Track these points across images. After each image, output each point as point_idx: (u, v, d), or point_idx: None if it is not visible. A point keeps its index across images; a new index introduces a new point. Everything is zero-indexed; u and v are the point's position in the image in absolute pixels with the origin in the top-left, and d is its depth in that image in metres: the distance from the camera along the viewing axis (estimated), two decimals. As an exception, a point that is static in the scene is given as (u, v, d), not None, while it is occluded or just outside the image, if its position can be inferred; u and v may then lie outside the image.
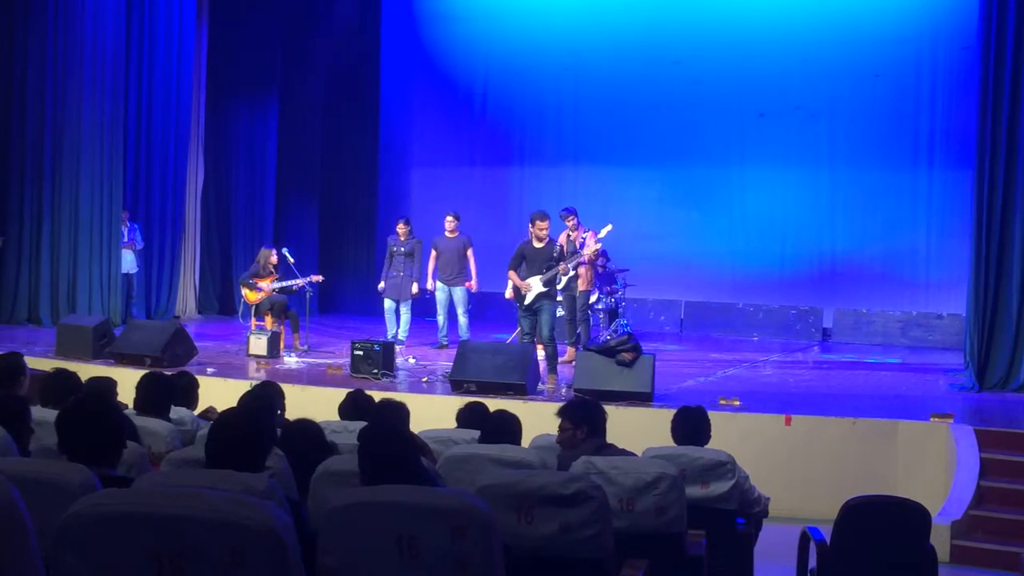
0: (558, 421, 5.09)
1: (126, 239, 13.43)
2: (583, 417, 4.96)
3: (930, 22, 13.30)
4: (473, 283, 11.84)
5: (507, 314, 12.26)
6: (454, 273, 11.83)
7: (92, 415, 3.54)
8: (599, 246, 10.84)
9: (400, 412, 5.43)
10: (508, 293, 10.23)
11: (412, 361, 10.90)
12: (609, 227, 10.79)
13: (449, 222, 11.93)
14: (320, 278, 12.14)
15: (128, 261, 13.48)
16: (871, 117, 13.59)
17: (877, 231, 13.63)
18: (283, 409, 5.89)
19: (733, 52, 13.95)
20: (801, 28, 13.79)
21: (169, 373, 6.01)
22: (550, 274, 9.61)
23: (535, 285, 9.62)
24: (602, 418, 5.03)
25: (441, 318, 12.07)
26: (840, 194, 13.81)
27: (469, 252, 11.85)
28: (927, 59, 13.35)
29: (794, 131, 13.89)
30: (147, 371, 5.67)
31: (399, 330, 11.95)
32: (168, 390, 5.43)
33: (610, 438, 5.11)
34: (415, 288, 11.90)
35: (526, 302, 9.67)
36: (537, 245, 9.74)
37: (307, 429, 4.35)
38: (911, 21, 13.37)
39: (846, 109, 13.71)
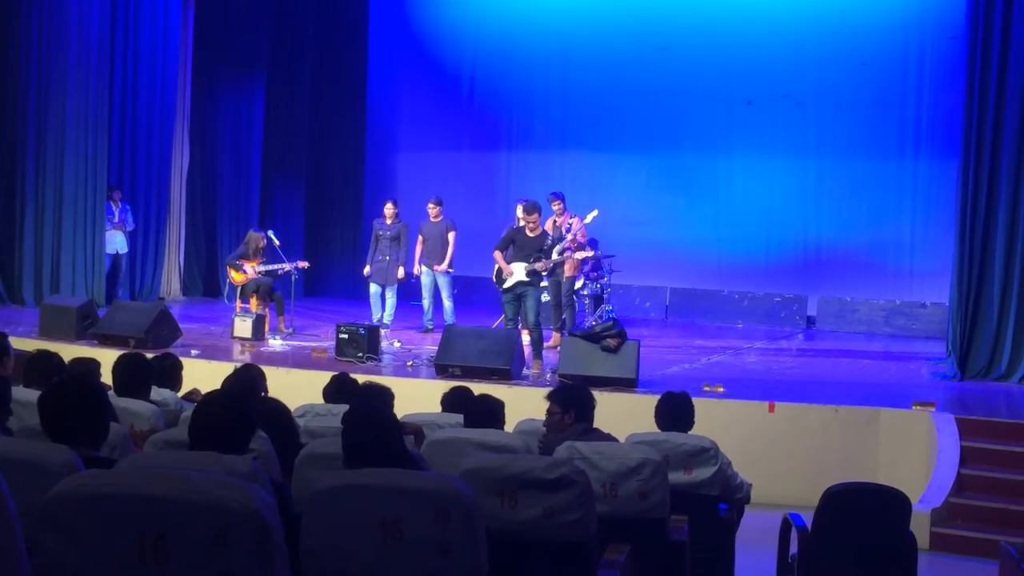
0: (543, 406, 5.12)
1: (117, 219, 13.40)
2: (572, 402, 4.99)
3: (918, 12, 13.32)
4: (443, 265, 11.77)
5: (492, 299, 12.26)
6: (438, 258, 11.82)
7: (75, 396, 3.52)
8: (590, 253, 10.78)
9: (383, 395, 5.42)
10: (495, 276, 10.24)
11: (397, 345, 10.90)
12: (595, 212, 10.80)
13: (432, 208, 11.92)
14: (306, 264, 12.06)
15: (118, 241, 13.45)
16: (858, 106, 13.61)
17: (862, 220, 13.68)
18: (266, 391, 5.87)
19: (722, 39, 13.94)
20: (789, 16, 13.79)
21: (149, 355, 5.97)
22: (536, 266, 9.61)
23: (518, 271, 9.62)
24: (591, 404, 5.07)
25: (427, 302, 12.06)
26: (826, 182, 13.85)
27: (450, 235, 11.82)
28: (914, 49, 13.38)
29: (781, 119, 13.90)
30: (123, 352, 5.63)
31: (384, 314, 11.93)
32: (145, 371, 5.39)
33: (594, 423, 5.13)
34: (401, 272, 11.88)
35: (505, 285, 9.68)
36: (530, 234, 9.75)
37: (277, 411, 4.36)
38: (899, 10, 13.39)
39: (833, 98, 13.73)
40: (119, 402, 4.90)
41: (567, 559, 3.65)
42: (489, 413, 5.09)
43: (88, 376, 5.26)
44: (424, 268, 11.92)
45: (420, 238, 11.97)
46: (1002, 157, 9.69)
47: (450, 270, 11.85)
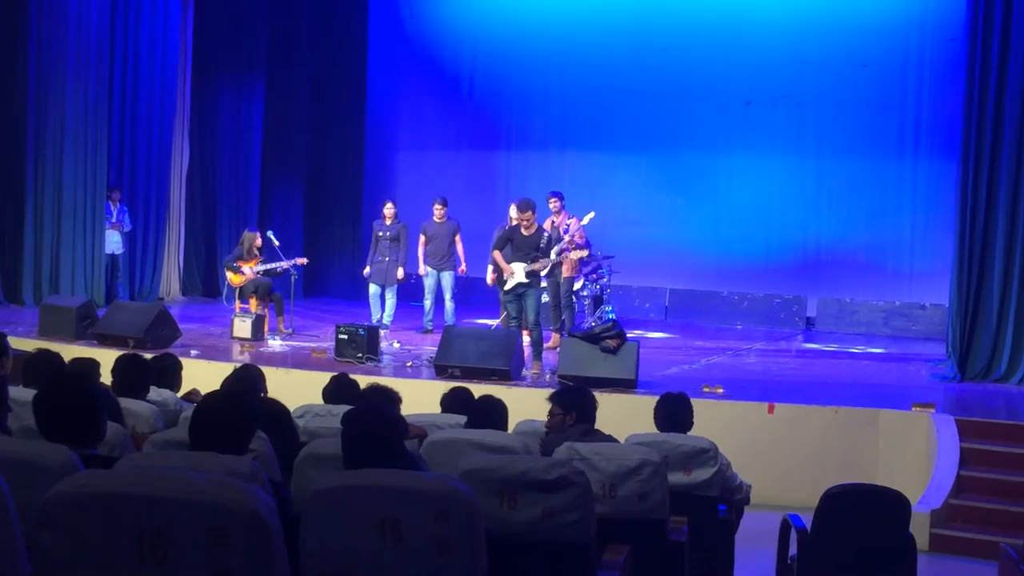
0: (542, 406, 5.13)
1: (114, 219, 13.40)
2: (574, 403, 5.02)
3: (918, 13, 13.33)
4: (463, 267, 11.87)
5: (492, 299, 12.26)
6: (443, 258, 11.83)
7: (69, 395, 3.52)
8: (585, 252, 10.78)
9: (391, 397, 5.39)
10: (489, 278, 10.24)
11: (396, 345, 10.90)
12: (592, 214, 10.79)
13: (437, 208, 11.90)
14: (305, 260, 12.09)
15: (115, 242, 13.47)
16: (857, 107, 13.61)
17: (861, 221, 13.68)
18: (265, 392, 5.87)
19: (721, 40, 13.95)
20: (789, 17, 13.79)
21: (149, 355, 5.96)
22: (535, 266, 9.60)
23: (518, 272, 9.61)
24: (592, 405, 5.10)
25: (428, 303, 12.05)
26: (825, 183, 13.85)
27: (457, 237, 11.84)
28: (914, 50, 13.38)
29: (780, 120, 13.90)
30: (122, 353, 5.63)
31: (384, 314, 11.93)
32: (144, 371, 5.39)
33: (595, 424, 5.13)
34: (401, 273, 11.88)
35: (507, 287, 9.67)
36: (525, 232, 9.74)
37: (276, 411, 4.36)
38: (899, 12, 13.40)
39: (832, 98, 13.73)
40: (120, 402, 4.91)
41: (566, 560, 3.65)
42: (492, 414, 5.08)
43: (82, 376, 5.26)
44: (429, 269, 11.91)
45: (423, 238, 11.95)
46: (1002, 158, 9.69)
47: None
